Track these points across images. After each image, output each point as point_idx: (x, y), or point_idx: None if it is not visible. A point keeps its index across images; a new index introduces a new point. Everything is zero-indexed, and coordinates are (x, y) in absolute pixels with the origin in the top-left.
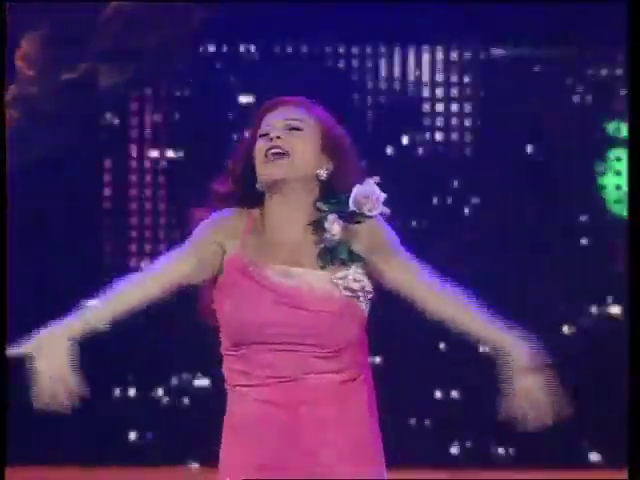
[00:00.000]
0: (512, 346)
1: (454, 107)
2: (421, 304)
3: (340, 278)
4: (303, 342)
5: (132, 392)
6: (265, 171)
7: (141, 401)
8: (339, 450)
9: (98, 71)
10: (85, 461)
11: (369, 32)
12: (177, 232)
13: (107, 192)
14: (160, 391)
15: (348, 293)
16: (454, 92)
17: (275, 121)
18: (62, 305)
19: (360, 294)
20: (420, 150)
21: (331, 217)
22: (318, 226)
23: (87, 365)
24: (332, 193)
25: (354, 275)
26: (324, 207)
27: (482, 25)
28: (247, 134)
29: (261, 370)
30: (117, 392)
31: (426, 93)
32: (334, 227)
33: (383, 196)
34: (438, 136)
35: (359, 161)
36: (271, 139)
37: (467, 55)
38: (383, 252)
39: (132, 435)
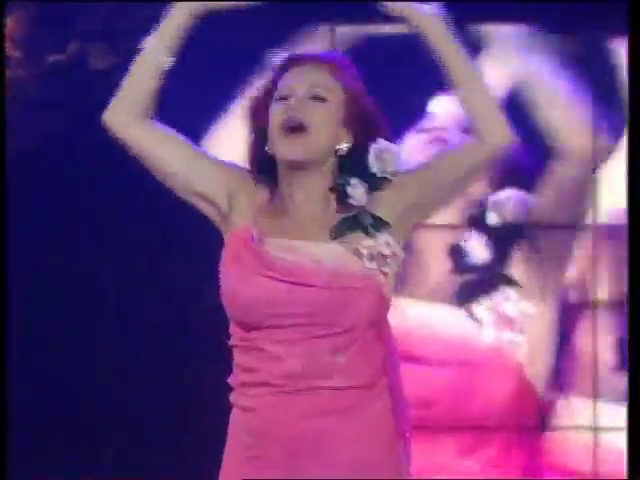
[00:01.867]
0: None
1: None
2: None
3: (368, 247)
4: (312, 322)
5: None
6: (280, 148)
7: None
8: (341, 471)
9: (88, 52)
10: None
11: None
12: (175, 214)
13: (101, 179)
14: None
15: (373, 264)
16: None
17: (296, 85)
18: (62, 304)
19: (390, 260)
20: None
21: (353, 181)
22: (338, 194)
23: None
24: (350, 170)
25: (385, 239)
26: (342, 181)
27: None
28: (261, 85)
29: (269, 365)
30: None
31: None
32: (357, 191)
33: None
34: None
35: (386, 136)
36: (289, 108)
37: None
38: (413, 179)
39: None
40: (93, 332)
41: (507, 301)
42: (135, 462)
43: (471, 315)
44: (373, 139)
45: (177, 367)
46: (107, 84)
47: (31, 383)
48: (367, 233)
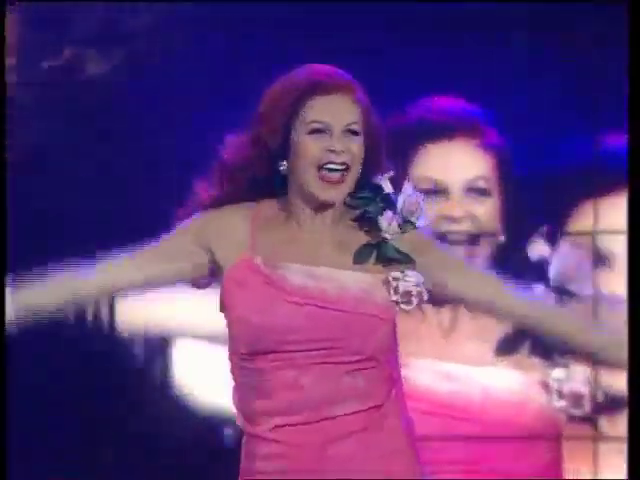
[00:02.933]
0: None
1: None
2: (515, 318)
3: (395, 278)
4: (333, 347)
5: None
6: (316, 191)
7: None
8: None
9: (84, 57)
10: None
11: None
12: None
13: (101, 179)
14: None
15: (396, 297)
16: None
17: (331, 120)
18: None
19: (415, 300)
20: None
21: (388, 214)
22: (364, 223)
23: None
24: (361, 184)
25: (416, 278)
26: (354, 203)
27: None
28: (276, 100)
29: (283, 392)
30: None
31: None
32: (393, 226)
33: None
34: None
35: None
36: (334, 150)
37: (467, 57)
38: (439, 258)
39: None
40: (93, 332)
41: (582, 380)
42: (135, 462)
43: (542, 382)
44: (379, 151)
45: (177, 368)
46: (104, 88)
47: (31, 383)
48: (389, 264)
